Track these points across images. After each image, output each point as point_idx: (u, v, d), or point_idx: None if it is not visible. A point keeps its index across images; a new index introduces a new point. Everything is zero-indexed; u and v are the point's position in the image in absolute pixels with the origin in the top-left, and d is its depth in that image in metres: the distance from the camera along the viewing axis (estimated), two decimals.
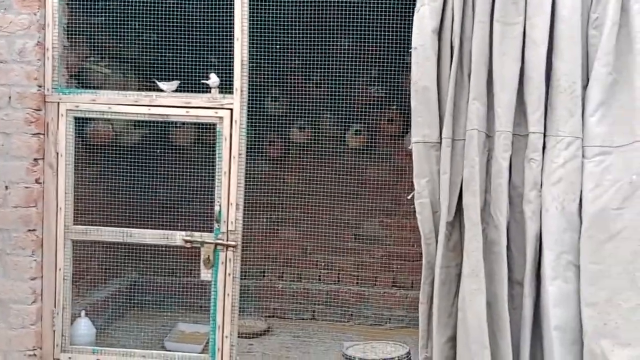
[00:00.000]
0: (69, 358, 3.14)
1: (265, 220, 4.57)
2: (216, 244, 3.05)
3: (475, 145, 2.64)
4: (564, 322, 2.55)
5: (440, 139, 2.72)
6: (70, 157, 3.10)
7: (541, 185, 2.61)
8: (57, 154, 3.08)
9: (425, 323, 2.76)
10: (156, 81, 3.12)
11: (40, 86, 3.05)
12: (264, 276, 4.63)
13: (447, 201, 2.69)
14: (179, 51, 3.53)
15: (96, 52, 3.69)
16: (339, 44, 4.19)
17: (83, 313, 3.40)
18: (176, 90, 3.12)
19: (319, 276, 4.60)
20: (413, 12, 2.76)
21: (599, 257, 2.51)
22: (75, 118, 3.11)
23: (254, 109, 3.11)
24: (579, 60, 2.59)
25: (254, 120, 3.14)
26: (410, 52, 2.75)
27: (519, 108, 2.66)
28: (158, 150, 3.97)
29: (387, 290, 4.48)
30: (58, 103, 3.08)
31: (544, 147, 2.62)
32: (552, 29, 2.62)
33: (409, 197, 2.81)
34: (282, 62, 3.88)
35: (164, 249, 3.97)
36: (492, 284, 2.66)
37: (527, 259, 2.62)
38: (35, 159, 3.06)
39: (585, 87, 2.62)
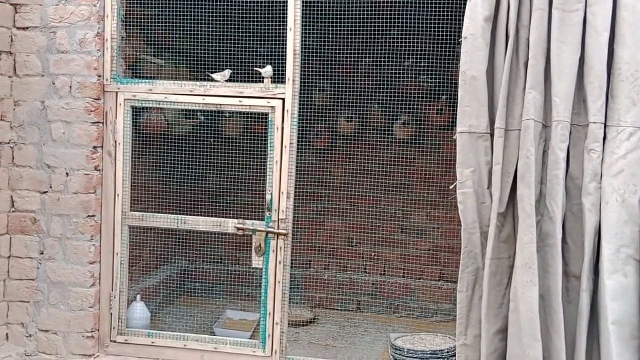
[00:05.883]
0: (126, 340, 3.24)
1: (311, 211, 4.60)
2: (267, 232, 3.10)
3: (531, 135, 2.58)
4: (623, 316, 2.48)
5: (490, 129, 2.68)
6: (128, 145, 3.19)
7: (601, 177, 2.55)
8: (116, 142, 3.18)
9: (464, 311, 2.73)
10: (210, 75, 3.17)
11: (100, 76, 3.14)
12: (310, 266, 4.67)
13: (499, 192, 2.64)
14: (230, 42, 3.57)
15: (151, 43, 3.77)
16: (388, 33, 4.16)
17: (139, 297, 3.49)
18: (228, 80, 3.17)
19: (365, 267, 4.61)
20: (465, 1, 2.72)
21: None
22: (133, 107, 3.20)
23: (301, 100, 3.14)
24: None
25: (301, 111, 3.16)
26: (461, 42, 2.71)
27: (577, 97, 2.59)
28: (210, 140, 4.04)
29: (434, 283, 4.45)
30: (117, 93, 3.17)
31: (604, 138, 2.55)
32: (614, 16, 2.54)
33: (451, 188, 2.79)
34: (330, 52, 3.88)
35: (212, 237, 4.04)
36: (546, 277, 2.61)
37: (586, 253, 2.55)
38: (95, 147, 3.16)
39: None
